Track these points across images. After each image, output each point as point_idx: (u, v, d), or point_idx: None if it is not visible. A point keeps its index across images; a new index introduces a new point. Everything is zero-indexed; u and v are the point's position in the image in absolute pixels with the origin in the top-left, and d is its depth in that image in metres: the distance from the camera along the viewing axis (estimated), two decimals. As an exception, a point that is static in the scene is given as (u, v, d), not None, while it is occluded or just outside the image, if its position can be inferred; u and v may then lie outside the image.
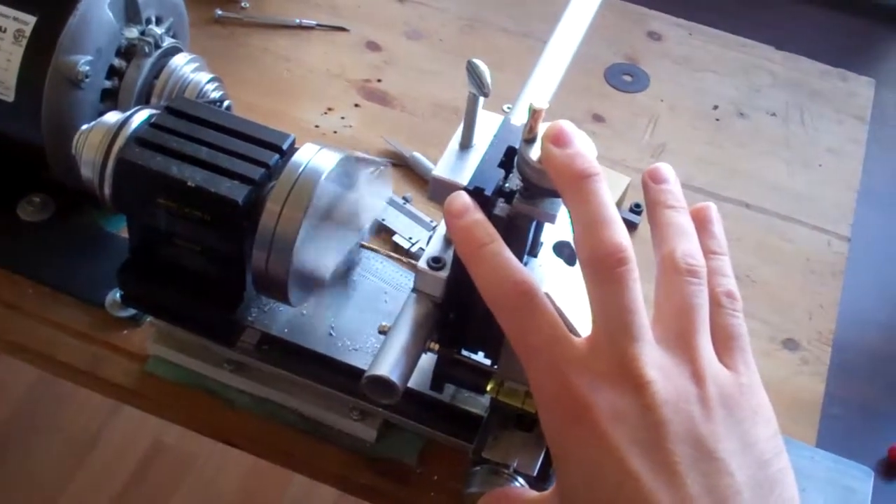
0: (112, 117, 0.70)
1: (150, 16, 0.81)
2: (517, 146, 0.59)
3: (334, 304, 0.75)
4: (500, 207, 0.59)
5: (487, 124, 0.63)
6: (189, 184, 0.65)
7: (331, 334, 0.73)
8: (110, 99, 0.79)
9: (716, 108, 1.05)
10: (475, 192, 0.59)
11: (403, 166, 0.94)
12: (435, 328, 0.65)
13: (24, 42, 0.75)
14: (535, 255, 0.63)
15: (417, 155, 0.94)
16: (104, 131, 0.69)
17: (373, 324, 0.72)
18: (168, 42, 0.81)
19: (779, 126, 1.04)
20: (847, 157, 1.02)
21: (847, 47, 1.16)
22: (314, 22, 1.06)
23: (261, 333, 0.73)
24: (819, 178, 1.00)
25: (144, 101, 0.79)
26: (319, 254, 0.68)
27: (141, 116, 0.70)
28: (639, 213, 0.94)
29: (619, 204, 0.93)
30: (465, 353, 0.69)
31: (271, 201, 0.66)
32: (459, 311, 0.65)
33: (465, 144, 0.61)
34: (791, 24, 1.17)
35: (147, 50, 0.79)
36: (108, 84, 0.78)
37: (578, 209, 0.53)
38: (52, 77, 0.75)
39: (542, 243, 0.64)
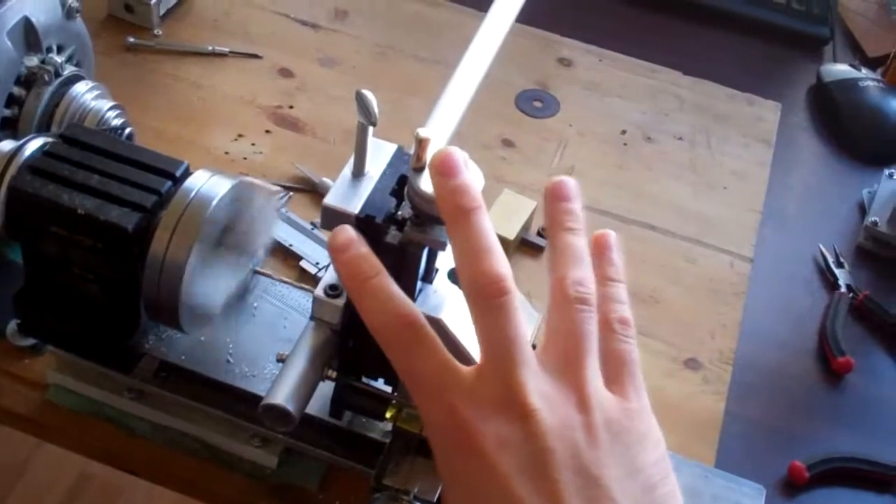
0: (6, 146, 0.70)
1: (52, 44, 0.81)
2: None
3: (233, 330, 0.75)
4: (393, 235, 0.60)
5: (382, 153, 0.64)
6: (79, 211, 0.65)
7: (229, 361, 0.74)
8: (9, 127, 0.79)
9: (624, 132, 1.07)
10: (365, 220, 0.60)
11: (313, 192, 0.95)
12: (334, 355, 0.66)
13: (-81, 71, 0.75)
14: (431, 282, 0.64)
15: (327, 180, 0.95)
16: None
17: (272, 349, 0.72)
18: (69, 70, 0.81)
19: (685, 150, 1.06)
20: (752, 179, 1.05)
21: (754, 72, 1.19)
22: (227, 49, 1.06)
23: (159, 361, 0.73)
24: (724, 200, 1.02)
25: (45, 129, 0.79)
26: (211, 280, 0.68)
27: (35, 144, 0.70)
28: (544, 237, 0.95)
29: (526, 227, 0.94)
30: (365, 379, 0.69)
31: (161, 228, 0.66)
32: (358, 339, 0.66)
33: (358, 173, 0.62)
34: (699, 50, 1.19)
35: (47, 78, 0.79)
36: (6, 112, 0.78)
37: (459, 240, 0.54)
38: (-53, 106, 0.75)
39: (437, 269, 0.64)
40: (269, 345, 0.74)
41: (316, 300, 0.65)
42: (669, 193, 1.02)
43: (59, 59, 0.80)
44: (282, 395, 0.61)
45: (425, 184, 0.58)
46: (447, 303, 0.63)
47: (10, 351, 0.78)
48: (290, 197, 0.94)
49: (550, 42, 1.16)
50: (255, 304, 0.77)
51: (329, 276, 0.65)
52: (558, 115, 1.08)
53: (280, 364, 0.64)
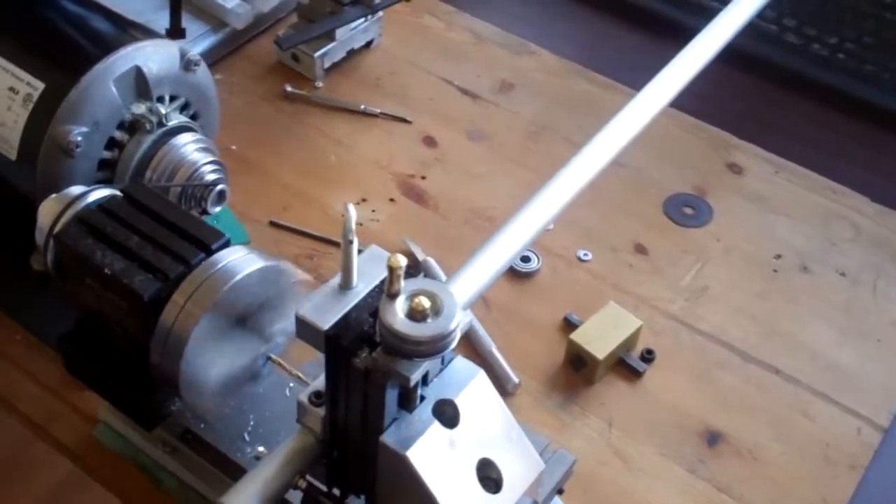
0: (73, 191, 0.72)
1: (163, 94, 0.83)
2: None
3: (258, 408, 0.73)
4: (362, 359, 0.56)
5: (383, 265, 0.60)
6: (106, 271, 0.66)
7: (245, 438, 0.72)
8: (108, 169, 0.81)
9: (778, 257, 0.96)
10: (331, 339, 0.56)
11: (414, 270, 0.92)
12: (315, 464, 0.63)
13: (31, 107, 0.79)
14: (411, 411, 0.59)
15: (430, 261, 0.92)
16: (61, 203, 0.71)
17: (290, 434, 0.70)
18: (176, 120, 0.82)
19: (845, 288, 0.94)
20: (916, 335, 0.91)
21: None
22: (378, 110, 1.06)
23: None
24: (873, 354, 0.89)
25: (141, 174, 0.81)
26: (219, 357, 0.67)
27: (96, 195, 0.71)
28: (649, 361, 0.87)
29: (627, 347, 0.87)
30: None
31: (178, 294, 0.65)
32: (342, 450, 0.63)
33: (345, 285, 0.58)
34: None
35: (149, 126, 0.81)
36: (107, 155, 0.81)
37: None
38: (47, 143, 0.78)
39: (423, 398, 0.60)
40: (292, 429, 0.72)
41: (300, 405, 0.62)
42: (810, 335, 0.90)
43: (165, 109, 0.81)
44: (238, 497, 0.59)
45: (394, 315, 0.54)
46: (421, 439, 0.58)
47: (71, 380, 0.81)
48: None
49: (725, 143, 1.06)
50: (291, 385, 0.75)
51: (318, 383, 0.62)
52: (708, 227, 0.98)
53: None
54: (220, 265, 0.67)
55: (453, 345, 0.55)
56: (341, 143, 1.03)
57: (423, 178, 1.01)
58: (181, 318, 0.65)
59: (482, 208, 0.98)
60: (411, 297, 0.55)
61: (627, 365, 0.87)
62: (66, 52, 0.82)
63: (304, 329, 0.57)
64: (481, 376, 0.61)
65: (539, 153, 1.04)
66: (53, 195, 0.72)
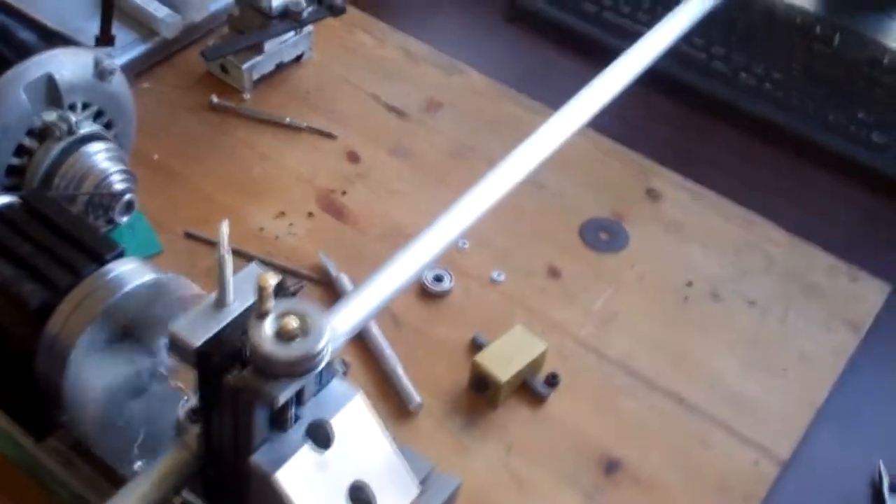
0: (-28, 198, 0.72)
1: (76, 102, 0.83)
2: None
3: (149, 421, 0.73)
4: (232, 376, 0.56)
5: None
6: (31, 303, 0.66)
7: (134, 451, 0.72)
8: (17, 175, 0.81)
9: (690, 284, 0.97)
10: (201, 356, 0.56)
11: (328, 286, 0.92)
12: (190, 480, 0.63)
13: (-64, 110, 0.79)
14: (283, 431, 0.59)
15: (344, 277, 0.92)
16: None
17: (178, 450, 0.70)
18: (88, 129, 0.83)
19: (754, 318, 0.95)
20: (821, 368, 0.92)
21: (879, 236, 1.05)
22: (304, 124, 1.06)
23: (75, 435, 0.73)
24: (778, 385, 0.90)
25: (49, 182, 0.81)
26: (103, 366, 0.67)
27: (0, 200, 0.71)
28: (554, 385, 0.88)
29: (533, 371, 0.87)
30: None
31: (65, 303, 0.65)
32: (215, 469, 0.63)
33: (221, 303, 0.59)
34: (817, 198, 1.07)
35: (58, 134, 0.81)
36: (15, 161, 0.81)
37: None
38: (-48, 148, 0.78)
39: (297, 418, 0.60)
40: (182, 444, 0.72)
41: (177, 421, 0.62)
42: (715, 364, 0.91)
43: (77, 117, 0.81)
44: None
45: (261, 335, 0.54)
46: (291, 460, 0.58)
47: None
48: (301, 286, 0.92)
49: (645, 169, 1.07)
50: (185, 399, 0.75)
51: (196, 399, 0.62)
52: (623, 252, 0.99)
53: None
54: (109, 276, 0.67)
55: (321, 366, 0.56)
56: (265, 156, 1.03)
57: (344, 193, 1.01)
58: (67, 327, 0.65)
59: (401, 225, 0.98)
60: (280, 316, 0.55)
61: (531, 389, 0.87)
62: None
63: (176, 345, 0.57)
64: (359, 398, 0.62)
65: (461, 172, 1.04)
66: (-50, 199, 0.72)
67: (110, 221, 0.84)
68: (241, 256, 0.94)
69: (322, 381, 0.61)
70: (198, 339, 0.57)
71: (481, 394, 0.86)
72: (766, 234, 1.02)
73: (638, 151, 1.09)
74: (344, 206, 1.00)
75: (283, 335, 0.55)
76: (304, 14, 1.05)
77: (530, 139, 0.85)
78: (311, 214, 0.99)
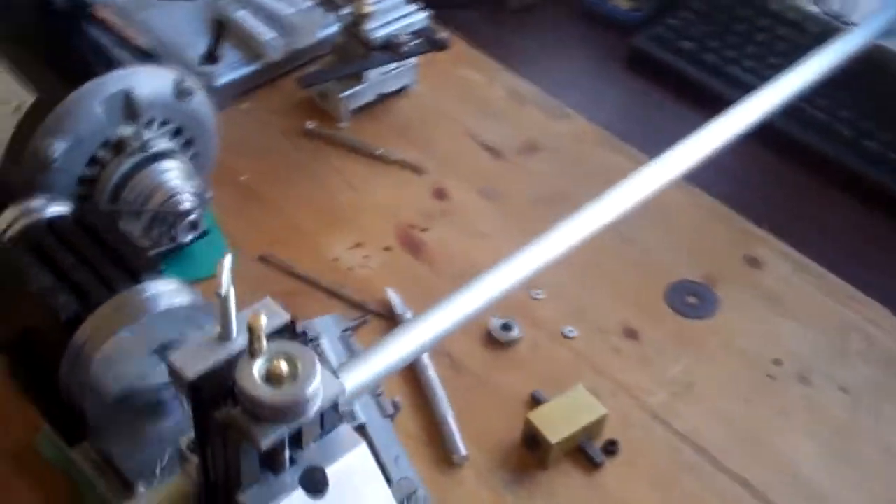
0: (34, 203, 0.73)
1: (154, 118, 0.83)
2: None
3: (174, 443, 0.72)
4: (222, 412, 0.55)
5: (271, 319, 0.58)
6: (33, 287, 0.67)
7: (156, 473, 0.71)
8: (88, 185, 0.82)
9: (778, 363, 0.90)
10: (194, 388, 0.55)
11: (391, 321, 0.90)
12: None
13: (20, 116, 0.81)
14: (276, 473, 0.57)
15: (409, 314, 0.90)
16: (16, 212, 0.72)
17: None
18: (162, 146, 0.83)
19: (843, 407, 0.87)
20: (911, 467, 0.84)
21: None
22: (396, 156, 1.05)
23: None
24: (857, 481, 0.83)
25: (118, 195, 0.82)
26: (123, 379, 0.66)
27: (53, 211, 0.72)
28: (612, 453, 0.83)
29: (589, 435, 0.82)
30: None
31: (94, 316, 0.65)
32: (211, 502, 0.61)
33: (224, 337, 0.57)
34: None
35: (131, 148, 0.81)
36: (87, 171, 0.82)
37: None
38: (28, 154, 0.80)
39: (294, 462, 0.58)
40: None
41: (179, 450, 0.61)
42: (791, 451, 0.84)
43: (152, 133, 0.82)
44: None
45: (248, 376, 0.52)
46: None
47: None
48: (364, 321, 0.90)
49: (747, 233, 1.01)
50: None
51: (197, 430, 0.60)
52: (709, 320, 0.93)
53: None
54: (144, 294, 0.66)
55: (309, 414, 0.53)
56: (352, 186, 1.02)
57: (425, 229, 0.99)
58: (92, 339, 0.65)
59: (478, 268, 0.93)
60: (272, 358, 0.53)
61: (587, 454, 0.83)
62: (63, 68, 0.83)
63: (173, 375, 0.56)
64: (362, 449, 0.59)
65: (550, 220, 0.99)
66: (14, 204, 0.73)
67: (173, 239, 0.84)
68: (311, 285, 0.93)
69: (326, 427, 0.58)
70: (193, 370, 0.55)
71: (532, 452, 0.82)
72: (872, 316, 0.94)
73: (742, 213, 1.02)
74: (423, 244, 0.98)
75: (272, 378, 0.53)
76: (406, 47, 1.04)
77: (618, 186, 0.81)
78: (388, 248, 0.97)
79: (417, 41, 1.05)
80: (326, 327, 0.89)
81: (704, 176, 1.00)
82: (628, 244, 0.99)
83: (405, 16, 1.06)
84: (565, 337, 0.91)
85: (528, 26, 1.28)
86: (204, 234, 0.93)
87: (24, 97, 0.81)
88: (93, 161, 0.82)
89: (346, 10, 1.04)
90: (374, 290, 0.92)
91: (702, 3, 1.26)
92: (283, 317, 0.57)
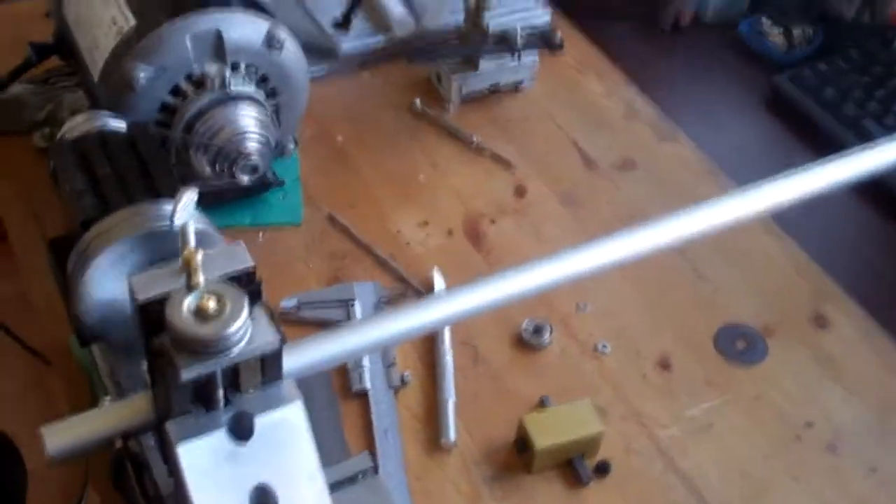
0: (98, 114, 0.79)
1: (239, 62, 0.88)
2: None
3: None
4: (159, 339, 0.57)
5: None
6: (66, 187, 0.73)
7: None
8: (168, 112, 0.88)
9: (810, 425, 0.85)
10: (140, 311, 0.57)
11: (420, 296, 0.91)
12: (143, 430, 0.64)
13: (119, 39, 0.87)
14: (208, 410, 0.59)
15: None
16: (83, 118, 0.79)
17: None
18: (242, 88, 0.88)
19: (867, 487, 0.82)
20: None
21: None
22: (489, 147, 1.06)
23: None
24: (856, 566, 0.77)
25: (192, 125, 0.88)
26: (119, 293, 0.71)
27: (113, 125, 0.78)
28: (602, 474, 0.81)
29: (584, 453, 0.81)
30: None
31: (107, 219, 0.70)
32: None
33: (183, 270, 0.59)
34: None
35: (211, 84, 0.87)
36: (169, 99, 0.88)
37: None
38: (116, 74, 0.86)
39: (229, 403, 0.59)
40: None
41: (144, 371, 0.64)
42: (796, 516, 0.80)
43: (232, 75, 0.87)
44: (52, 432, 0.61)
45: (175, 307, 0.55)
46: (200, 438, 0.57)
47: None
48: (401, 294, 0.92)
49: (823, 290, 0.95)
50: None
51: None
52: (752, 368, 0.89)
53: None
54: (156, 212, 0.71)
55: (229, 353, 0.55)
56: (436, 167, 1.04)
57: (493, 221, 1.00)
58: (99, 238, 0.69)
59: (530, 269, 0.95)
60: (202, 295, 0.55)
61: (575, 469, 0.81)
62: (166, 1, 0.90)
63: (130, 295, 0.59)
64: (297, 405, 0.60)
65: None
66: (84, 111, 0.80)
67: (233, 177, 0.88)
68: (365, 250, 0.96)
69: (266, 376, 0.60)
70: (144, 294, 0.58)
71: (520, 455, 0.82)
72: (933, 403, 0.88)
73: (826, 268, 0.97)
74: (485, 235, 0.98)
75: (199, 313, 0.55)
76: (519, 41, 1.04)
77: (692, 209, 0.76)
78: (450, 232, 0.98)
79: (531, 37, 1.05)
80: (364, 292, 0.92)
81: (796, 221, 0.97)
82: (697, 276, 0.96)
83: (527, 11, 1.06)
84: (597, 351, 0.90)
85: (677, 47, 1.26)
86: (278, 183, 0.98)
87: (130, 21, 0.88)
88: (175, 91, 0.88)
89: (472, -2, 1.06)
90: (424, 269, 0.94)
91: (859, 53, 1.20)
92: (246, 263, 0.59)
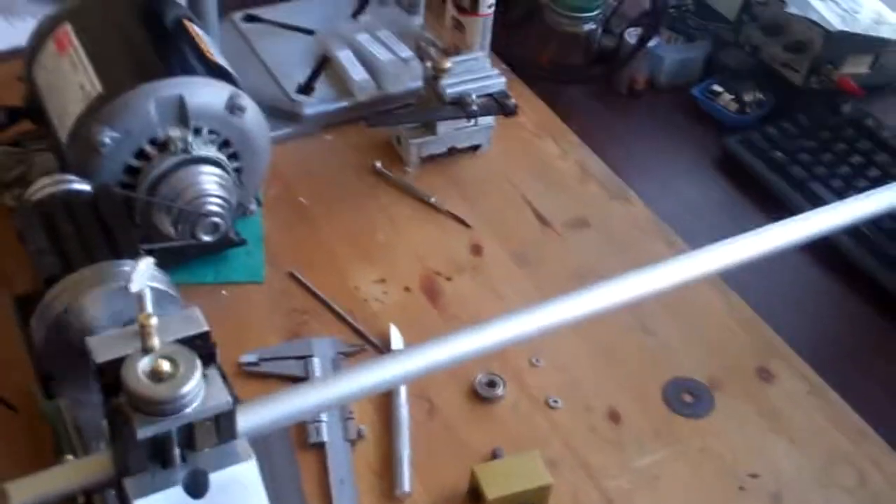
0: (64, 176, 0.82)
1: (202, 126, 0.92)
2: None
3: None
4: (117, 399, 0.59)
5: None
6: (29, 247, 0.75)
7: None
8: (132, 175, 0.91)
9: (754, 476, 0.88)
10: (100, 372, 0.60)
11: (377, 351, 0.94)
12: (103, 487, 0.66)
13: (86, 103, 0.91)
14: (165, 467, 0.61)
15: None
16: (49, 180, 0.82)
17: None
18: (204, 152, 0.91)
19: (809, 535, 0.84)
20: None
21: None
22: (445, 206, 1.09)
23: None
24: None
25: (156, 186, 0.91)
26: (78, 347, 0.73)
27: (77, 187, 0.81)
28: (551, 524, 0.83)
29: None
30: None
31: (68, 278, 0.72)
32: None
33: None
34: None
35: (174, 148, 0.90)
36: (134, 162, 0.91)
37: None
38: (82, 137, 0.89)
39: (185, 461, 0.61)
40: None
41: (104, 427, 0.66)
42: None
43: (193, 139, 0.90)
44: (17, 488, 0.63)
45: (130, 368, 0.57)
46: (157, 495, 0.59)
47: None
48: (357, 350, 0.95)
49: (769, 345, 0.99)
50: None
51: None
52: (698, 421, 0.92)
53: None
54: (117, 269, 0.73)
55: (186, 412, 0.57)
56: (395, 225, 1.08)
57: (449, 279, 1.03)
58: (61, 297, 0.72)
59: (485, 325, 0.98)
60: (157, 357, 0.58)
61: (526, 513, 0.84)
62: (132, 68, 0.93)
63: (88, 356, 0.61)
64: (251, 464, 0.62)
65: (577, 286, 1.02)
66: (51, 174, 0.83)
67: (193, 237, 0.91)
68: (324, 306, 0.98)
69: (221, 436, 0.62)
70: (103, 356, 0.61)
71: (472, 505, 0.84)
72: (874, 455, 0.90)
73: (772, 323, 1.01)
74: (442, 292, 1.01)
75: (154, 375, 0.58)
76: (474, 106, 1.09)
77: (643, 270, 0.79)
78: (407, 289, 1.01)
79: (486, 102, 1.09)
80: (322, 347, 0.94)
81: (742, 277, 1.00)
82: (645, 331, 0.99)
83: (483, 77, 1.10)
84: (549, 406, 0.92)
85: (632, 110, 1.31)
86: (240, 242, 1.01)
87: (97, 87, 0.91)
88: (139, 154, 0.91)
89: (429, 64, 1.10)
90: (382, 324, 0.97)
91: (808, 117, 1.25)
92: (201, 328, 0.61)
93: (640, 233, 1.10)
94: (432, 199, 1.10)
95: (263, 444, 0.66)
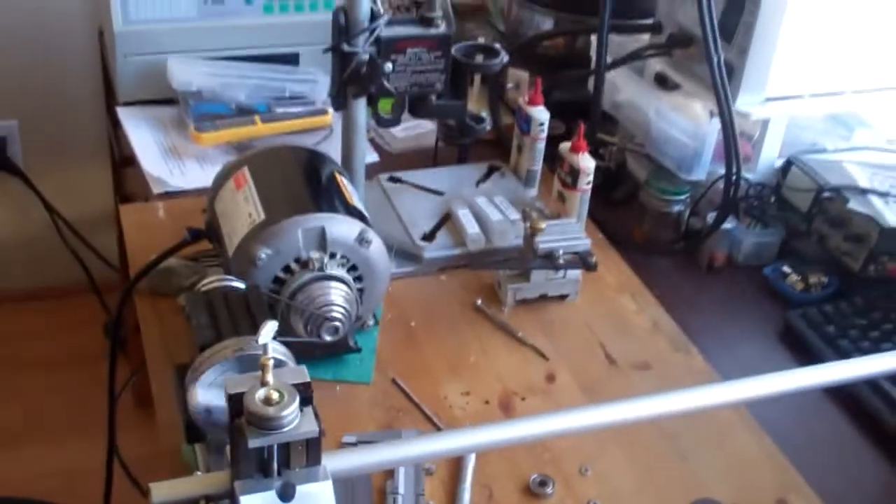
0: (228, 277, 1.09)
1: (336, 252, 1.17)
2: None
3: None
4: (239, 420, 0.83)
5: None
6: (193, 321, 1.01)
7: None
8: (280, 284, 1.17)
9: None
10: (230, 400, 0.83)
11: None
12: (221, 497, 0.89)
13: (251, 227, 1.18)
14: (266, 476, 0.83)
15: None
16: (215, 277, 1.08)
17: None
18: (335, 272, 1.16)
19: None
20: None
21: None
22: (530, 341, 1.31)
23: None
24: None
25: (295, 295, 1.16)
26: (214, 400, 0.97)
27: (236, 285, 1.07)
28: None
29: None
30: None
31: (213, 348, 0.97)
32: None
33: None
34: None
35: (312, 266, 1.16)
36: (281, 275, 1.17)
37: None
38: (245, 254, 1.16)
39: (281, 474, 0.84)
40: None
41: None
42: None
43: (328, 261, 1.16)
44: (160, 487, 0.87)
45: (252, 394, 0.80)
46: (258, 495, 0.82)
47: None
48: (438, 444, 1.15)
49: (790, 482, 1.14)
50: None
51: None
52: (716, 535, 1.08)
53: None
54: (254, 343, 0.98)
55: (280, 430, 0.80)
56: (486, 352, 1.30)
57: (523, 399, 1.23)
58: (204, 362, 0.97)
59: (551, 445, 1.17)
60: (271, 389, 0.81)
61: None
62: (289, 203, 1.20)
63: (225, 390, 0.85)
64: (327, 484, 0.84)
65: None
66: (217, 274, 1.10)
67: (318, 336, 1.15)
68: (416, 407, 1.20)
69: (310, 460, 0.84)
70: (233, 389, 0.84)
71: (510, 575, 1.02)
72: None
73: (798, 461, 1.16)
74: (515, 408, 1.22)
75: (267, 401, 0.81)
76: (561, 260, 1.31)
77: (673, 393, 0.97)
78: (487, 402, 1.22)
79: (572, 258, 1.32)
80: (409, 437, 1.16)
81: (769, 411, 1.17)
82: (680, 457, 1.16)
83: (572, 238, 1.33)
84: (590, 508, 1.11)
85: (709, 282, 1.50)
86: (356, 349, 1.25)
87: (262, 215, 1.19)
88: (285, 269, 1.17)
89: (528, 224, 1.34)
90: (459, 426, 1.18)
91: (863, 299, 1.41)
92: (305, 378, 0.84)
93: (695, 380, 1.28)
94: (519, 334, 1.32)
95: (349, 486, 0.88)
